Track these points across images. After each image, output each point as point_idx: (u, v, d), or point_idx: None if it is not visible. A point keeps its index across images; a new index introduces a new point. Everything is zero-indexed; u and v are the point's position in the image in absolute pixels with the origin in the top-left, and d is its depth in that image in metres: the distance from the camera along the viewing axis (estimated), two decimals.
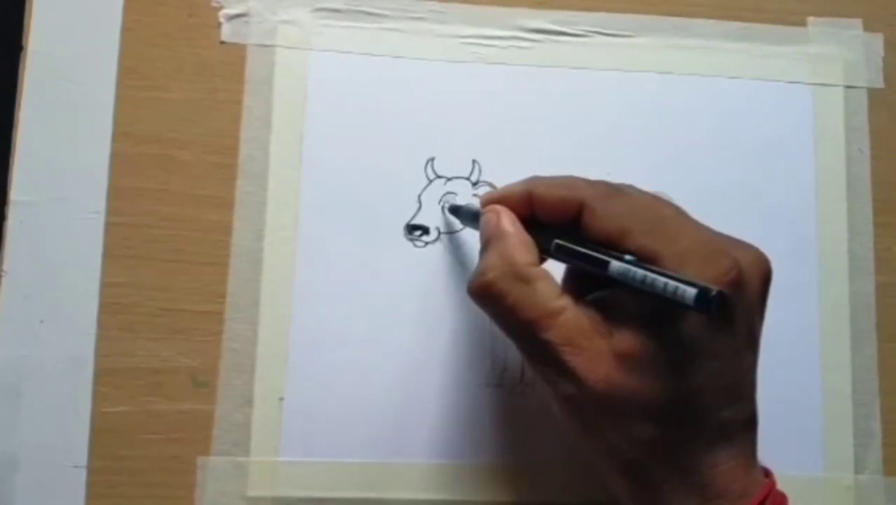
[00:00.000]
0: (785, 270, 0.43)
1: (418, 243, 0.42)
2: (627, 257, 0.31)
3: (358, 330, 0.41)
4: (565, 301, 0.33)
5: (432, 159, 0.43)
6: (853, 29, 0.46)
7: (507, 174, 0.43)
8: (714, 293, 0.28)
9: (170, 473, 0.40)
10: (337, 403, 0.41)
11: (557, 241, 0.34)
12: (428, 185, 0.43)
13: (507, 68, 0.44)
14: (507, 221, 0.35)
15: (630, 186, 0.35)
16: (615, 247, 0.32)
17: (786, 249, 0.44)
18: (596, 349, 0.32)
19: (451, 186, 0.43)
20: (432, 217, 0.42)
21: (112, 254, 0.41)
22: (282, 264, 0.41)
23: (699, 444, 0.32)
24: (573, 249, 0.34)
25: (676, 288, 0.29)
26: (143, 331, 0.41)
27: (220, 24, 0.43)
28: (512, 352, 0.42)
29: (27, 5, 0.42)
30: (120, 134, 0.42)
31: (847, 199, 0.44)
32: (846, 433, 0.42)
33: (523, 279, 0.33)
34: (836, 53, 0.46)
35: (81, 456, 0.40)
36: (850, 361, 0.43)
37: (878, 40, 0.46)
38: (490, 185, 0.43)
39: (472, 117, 0.43)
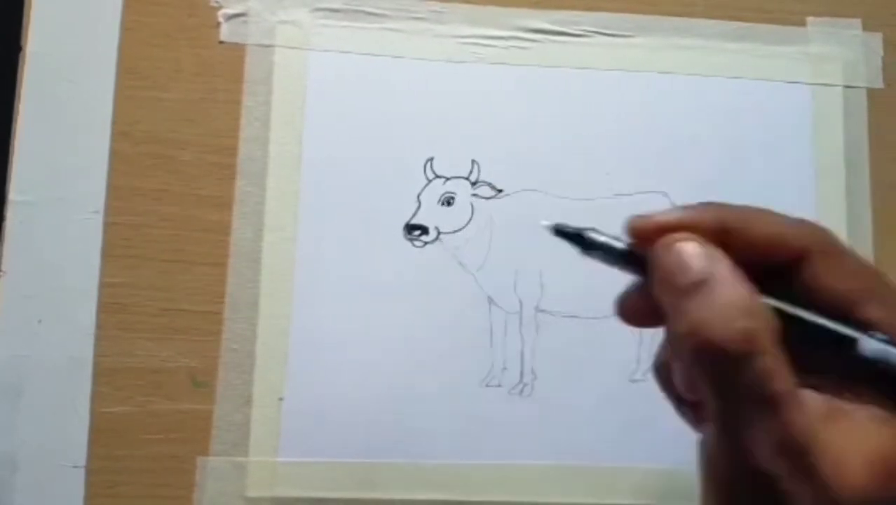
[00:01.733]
0: None
1: (417, 243, 0.42)
2: (879, 335, 0.25)
3: (357, 330, 0.41)
4: (795, 381, 0.25)
5: (431, 159, 0.43)
6: (852, 29, 0.46)
7: (507, 174, 0.43)
8: None
9: (169, 473, 0.40)
10: (336, 404, 0.41)
11: (775, 302, 0.26)
12: (427, 184, 0.43)
13: (507, 68, 0.44)
14: (724, 265, 0.25)
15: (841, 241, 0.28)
16: (845, 311, 0.26)
17: None
18: (845, 446, 0.24)
19: (450, 186, 0.43)
20: (431, 217, 0.42)
21: (111, 254, 0.41)
22: (281, 264, 0.41)
23: None
24: (804, 317, 0.26)
25: None
26: (142, 331, 0.41)
27: (219, 24, 0.43)
28: (511, 352, 0.42)
29: (26, 5, 0.42)
30: (119, 134, 0.42)
31: (846, 198, 0.44)
32: None
33: (777, 342, 0.25)
34: (835, 53, 0.46)
35: (80, 456, 0.40)
36: None
37: (877, 40, 0.46)
38: (489, 184, 0.43)
39: (471, 117, 0.43)
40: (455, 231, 0.42)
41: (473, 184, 0.43)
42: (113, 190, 0.41)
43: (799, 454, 0.24)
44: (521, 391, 0.42)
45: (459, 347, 0.42)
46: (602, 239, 0.28)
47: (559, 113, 0.44)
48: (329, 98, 0.43)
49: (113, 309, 0.41)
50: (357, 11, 0.44)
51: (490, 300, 0.42)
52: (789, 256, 0.26)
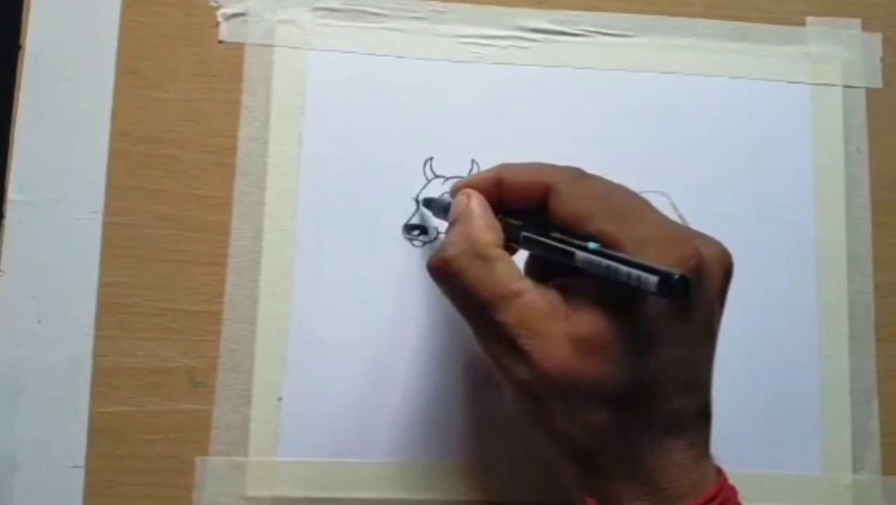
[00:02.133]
0: (783, 270, 0.43)
1: (416, 243, 0.42)
2: (591, 246, 0.31)
3: (356, 330, 0.41)
4: (524, 284, 0.33)
5: (431, 159, 0.43)
6: (852, 29, 0.46)
7: None
8: (677, 277, 0.28)
9: (168, 474, 0.40)
10: (335, 403, 0.41)
11: (525, 233, 0.34)
12: (426, 184, 0.43)
13: (507, 68, 0.44)
14: (476, 203, 0.35)
15: (596, 175, 0.35)
16: (578, 230, 0.32)
17: (784, 249, 0.44)
18: (552, 333, 0.31)
19: (449, 186, 0.43)
20: (431, 217, 0.42)
21: (110, 253, 0.41)
22: (280, 264, 0.41)
23: (651, 433, 0.31)
24: (539, 240, 0.34)
25: (640, 276, 0.29)
26: (141, 331, 0.41)
27: (218, 24, 0.43)
28: None
29: (25, 4, 0.42)
30: (118, 133, 0.42)
31: (845, 198, 0.44)
32: (844, 433, 0.43)
33: (483, 258, 0.33)
34: (834, 53, 0.46)
35: (80, 456, 0.40)
36: (849, 361, 0.43)
37: (876, 40, 0.46)
38: None
39: (471, 117, 0.43)
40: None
41: None
42: (112, 189, 0.41)
43: (511, 343, 0.32)
44: None
45: (458, 347, 0.42)
46: (437, 199, 0.40)
47: (559, 112, 0.44)
48: (329, 98, 0.43)
49: (112, 309, 0.41)
50: (357, 11, 0.44)
51: None
52: (542, 192, 0.34)
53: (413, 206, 0.42)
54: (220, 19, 0.43)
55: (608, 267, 0.30)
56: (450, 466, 0.41)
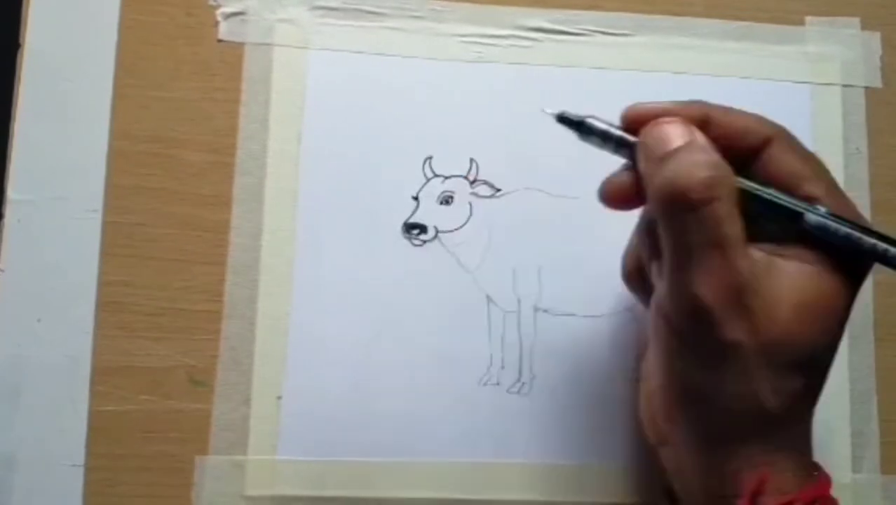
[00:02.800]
0: None
1: (416, 242, 0.42)
2: (822, 209, 0.31)
3: (355, 329, 0.41)
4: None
5: (430, 158, 0.43)
6: (851, 28, 0.46)
7: (505, 173, 0.43)
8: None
9: (167, 473, 0.40)
10: (335, 402, 0.41)
11: (747, 182, 0.31)
12: (426, 183, 0.43)
13: (507, 67, 0.44)
14: (701, 137, 0.32)
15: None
16: (794, 189, 0.31)
17: None
18: (776, 293, 0.30)
19: (448, 185, 0.43)
20: (430, 216, 0.42)
21: (109, 252, 0.41)
22: (280, 263, 0.41)
23: (814, 404, 0.32)
24: (764, 196, 0.31)
25: (887, 250, 0.30)
26: (140, 330, 0.41)
27: (217, 23, 0.43)
28: (509, 351, 0.42)
29: (25, 3, 0.42)
30: (117, 132, 0.42)
31: None
32: (843, 432, 0.43)
33: (735, 195, 0.30)
34: (834, 53, 0.46)
35: (79, 455, 0.40)
36: (848, 361, 0.43)
37: (875, 40, 0.46)
38: (488, 183, 0.43)
39: (470, 116, 0.43)
40: (453, 230, 0.42)
41: (472, 182, 0.43)
42: (111, 189, 0.41)
43: (738, 293, 0.30)
44: (520, 390, 0.42)
45: (457, 345, 0.42)
46: (600, 125, 0.35)
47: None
48: (328, 96, 0.43)
49: (111, 308, 0.41)
50: (356, 10, 0.44)
51: (488, 299, 0.42)
52: (756, 142, 0.32)
53: (413, 205, 0.42)
54: (219, 18, 0.43)
55: (848, 235, 0.30)
56: (450, 466, 0.41)
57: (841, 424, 0.43)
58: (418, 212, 0.42)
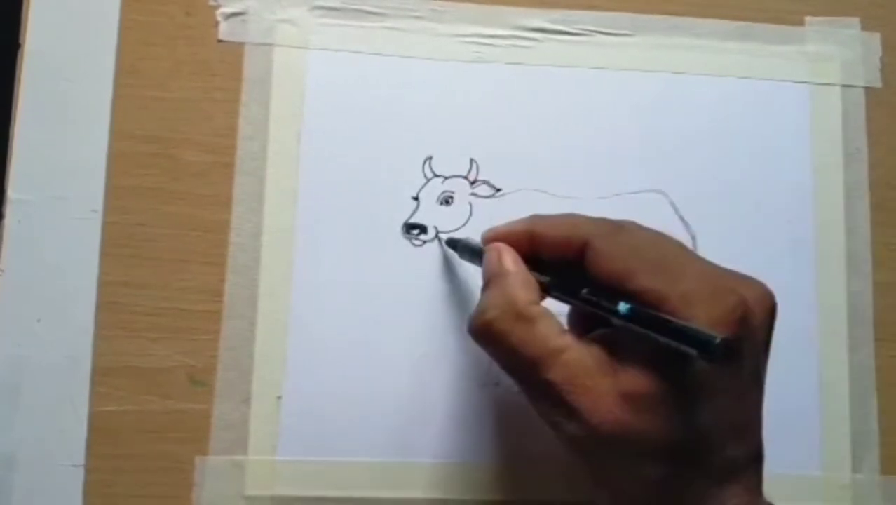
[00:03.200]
0: (782, 270, 0.43)
1: (416, 242, 0.42)
2: (622, 309, 0.31)
3: (355, 329, 0.41)
4: (568, 340, 0.32)
5: (430, 158, 0.43)
6: (851, 28, 0.46)
7: (505, 173, 0.43)
8: (718, 341, 0.28)
9: (167, 473, 0.40)
10: (335, 402, 0.41)
11: (555, 291, 0.34)
12: (426, 183, 0.43)
13: (506, 67, 0.44)
14: (509, 260, 0.35)
15: (632, 223, 0.35)
16: (620, 287, 0.32)
17: (783, 249, 0.44)
18: (601, 389, 0.31)
19: (448, 185, 0.43)
20: (430, 216, 0.42)
21: (110, 252, 0.41)
22: (279, 263, 0.41)
23: (707, 482, 0.31)
24: (575, 296, 0.33)
25: (678, 345, 0.29)
26: (140, 330, 0.41)
27: (217, 23, 0.43)
28: None
29: (25, 3, 0.42)
30: (117, 132, 0.42)
31: (844, 198, 0.44)
32: (843, 433, 0.43)
33: (524, 318, 0.33)
34: (833, 53, 0.46)
35: (79, 455, 0.40)
36: (848, 361, 0.43)
37: (875, 40, 0.46)
38: (488, 183, 0.43)
39: (470, 116, 0.43)
40: (454, 230, 0.42)
41: (472, 183, 0.43)
42: (111, 189, 0.41)
43: (560, 400, 0.32)
44: (520, 391, 0.41)
45: (457, 346, 0.42)
46: (463, 241, 0.40)
47: (558, 112, 0.44)
48: (328, 97, 0.43)
49: (111, 308, 0.41)
50: (356, 10, 0.44)
51: None
52: (577, 248, 0.34)
53: (413, 205, 0.42)
54: (219, 18, 0.43)
55: (649, 327, 0.30)
56: (449, 466, 0.41)
57: (841, 424, 0.43)
58: (418, 212, 0.42)
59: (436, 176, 0.43)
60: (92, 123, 0.42)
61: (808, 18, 0.46)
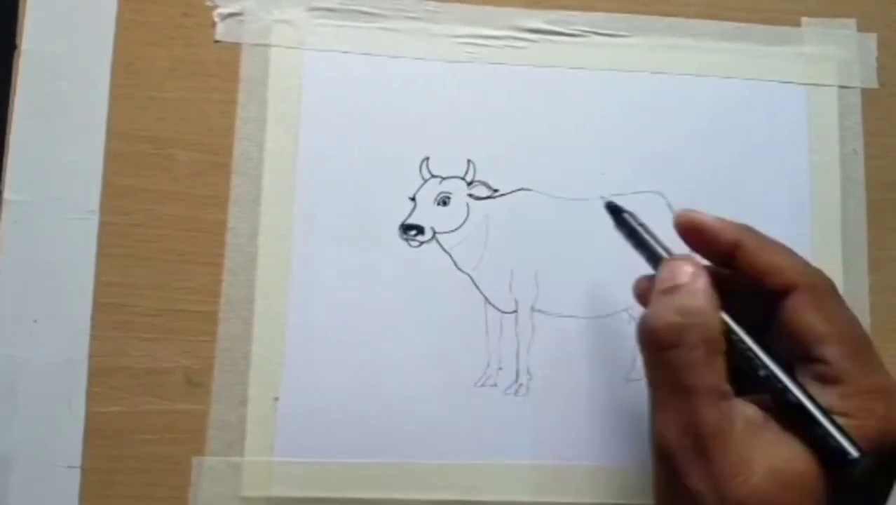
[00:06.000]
0: None
1: (413, 243, 0.42)
2: (799, 395, 0.29)
3: (353, 330, 0.41)
4: (730, 389, 0.30)
5: (427, 159, 0.43)
6: (847, 29, 0.46)
7: (503, 173, 0.43)
8: (859, 458, 0.28)
9: (164, 474, 0.40)
10: (332, 403, 0.41)
11: (749, 348, 0.31)
12: (423, 184, 0.43)
13: (503, 68, 0.44)
14: (705, 280, 0.31)
15: (841, 297, 0.32)
16: (807, 346, 0.30)
17: None
18: (748, 453, 0.29)
19: (445, 186, 0.43)
20: (427, 217, 0.42)
21: (106, 253, 0.41)
22: (277, 264, 0.41)
23: None
24: (762, 363, 0.31)
25: (831, 446, 0.28)
26: (137, 330, 0.41)
27: (214, 24, 0.43)
28: (507, 352, 0.42)
29: (21, 4, 0.42)
30: (114, 133, 0.42)
31: (841, 198, 0.45)
32: None
33: (711, 344, 0.30)
34: (830, 53, 0.46)
35: (75, 456, 0.40)
36: None
37: (871, 40, 0.46)
38: (485, 184, 0.43)
39: (467, 117, 0.43)
40: (451, 231, 0.42)
41: (469, 183, 0.43)
42: (108, 189, 0.41)
43: (699, 441, 0.29)
44: (517, 391, 0.42)
45: (455, 346, 0.42)
46: (645, 237, 0.35)
47: (555, 113, 0.44)
48: (325, 97, 0.43)
49: (108, 309, 0.41)
50: (353, 11, 0.44)
51: (486, 300, 0.42)
52: (779, 286, 0.31)
53: (410, 206, 0.42)
54: (216, 19, 0.43)
55: (814, 431, 0.29)
56: (447, 467, 0.41)
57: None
58: (415, 213, 0.42)
59: (433, 177, 0.43)
60: (89, 124, 0.42)
61: (804, 19, 0.46)
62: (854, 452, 0.28)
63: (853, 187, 0.45)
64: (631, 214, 0.37)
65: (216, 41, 0.43)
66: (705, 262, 0.34)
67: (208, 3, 0.43)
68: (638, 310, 0.41)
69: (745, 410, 0.30)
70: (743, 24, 0.45)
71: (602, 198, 0.38)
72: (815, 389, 0.30)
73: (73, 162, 0.41)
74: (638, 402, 0.42)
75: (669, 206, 0.43)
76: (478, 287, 0.42)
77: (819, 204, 0.44)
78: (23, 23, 0.42)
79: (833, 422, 0.29)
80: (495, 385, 0.42)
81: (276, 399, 0.40)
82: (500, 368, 0.42)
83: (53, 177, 0.41)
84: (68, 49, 0.42)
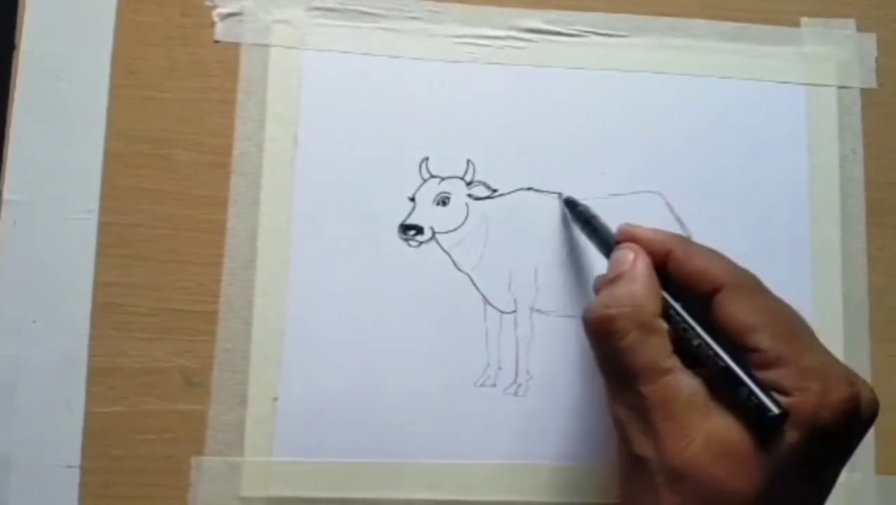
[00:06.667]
0: (778, 270, 0.43)
1: (412, 243, 0.42)
2: (730, 365, 0.32)
3: (352, 330, 0.41)
4: (675, 364, 0.33)
5: (426, 159, 0.43)
6: (846, 29, 0.46)
7: (502, 174, 0.43)
8: (778, 413, 0.30)
9: (163, 474, 0.40)
10: (331, 403, 0.41)
11: (677, 319, 0.34)
12: (422, 184, 0.43)
13: (502, 68, 0.44)
14: (644, 265, 0.35)
15: (768, 290, 0.35)
16: (739, 338, 0.32)
17: (779, 249, 0.44)
18: (689, 421, 0.31)
19: (445, 186, 0.43)
20: (426, 217, 0.42)
21: (105, 253, 0.41)
22: (276, 264, 0.41)
23: None
24: (696, 333, 0.33)
25: (759, 403, 0.30)
26: (136, 331, 0.41)
27: (213, 23, 0.43)
28: (506, 352, 0.42)
29: (20, 4, 0.42)
30: (113, 133, 0.42)
31: (840, 198, 0.45)
32: None
33: (645, 327, 0.33)
34: (829, 54, 0.46)
35: (74, 456, 0.40)
36: (844, 361, 0.43)
37: (871, 41, 0.46)
38: (484, 184, 0.43)
39: (466, 117, 0.43)
40: (450, 231, 0.42)
41: (469, 184, 0.43)
42: (108, 189, 0.41)
43: (643, 414, 0.32)
44: (516, 391, 0.42)
45: (454, 347, 0.42)
46: (595, 217, 0.40)
47: (554, 113, 0.44)
48: (324, 97, 0.43)
49: (107, 309, 0.41)
50: (352, 11, 0.44)
51: (485, 300, 0.42)
52: (709, 287, 0.34)
53: (409, 206, 0.42)
54: (215, 19, 0.43)
55: (735, 386, 0.31)
56: (445, 467, 0.41)
57: None
58: (415, 213, 0.42)
59: (432, 177, 0.43)
60: (88, 124, 0.42)
61: (803, 19, 0.46)
62: (775, 410, 0.30)
63: (852, 187, 0.45)
64: (585, 208, 0.41)
65: (215, 41, 0.43)
66: None
67: (207, 3, 0.43)
68: None
69: (691, 383, 0.32)
70: (742, 25, 0.45)
71: (560, 195, 0.42)
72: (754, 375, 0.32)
73: (72, 162, 0.41)
74: None
75: (668, 205, 0.43)
76: (477, 287, 0.42)
77: (818, 204, 0.44)
78: (22, 22, 0.42)
79: (757, 383, 0.31)
80: (494, 385, 0.42)
81: (276, 399, 0.40)
82: (500, 369, 0.42)
83: (52, 177, 0.41)
84: (68, 49, 0.42)
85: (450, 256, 0.42)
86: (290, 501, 0.40)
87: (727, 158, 0.44)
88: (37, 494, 0.39)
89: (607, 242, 0.38)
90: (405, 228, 0.42)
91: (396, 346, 0.41)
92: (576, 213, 0.41)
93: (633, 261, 0.35)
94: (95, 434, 0.40)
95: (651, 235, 0.36)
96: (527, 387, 0.42)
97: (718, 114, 0.45)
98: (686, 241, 0.37)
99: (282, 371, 0.41)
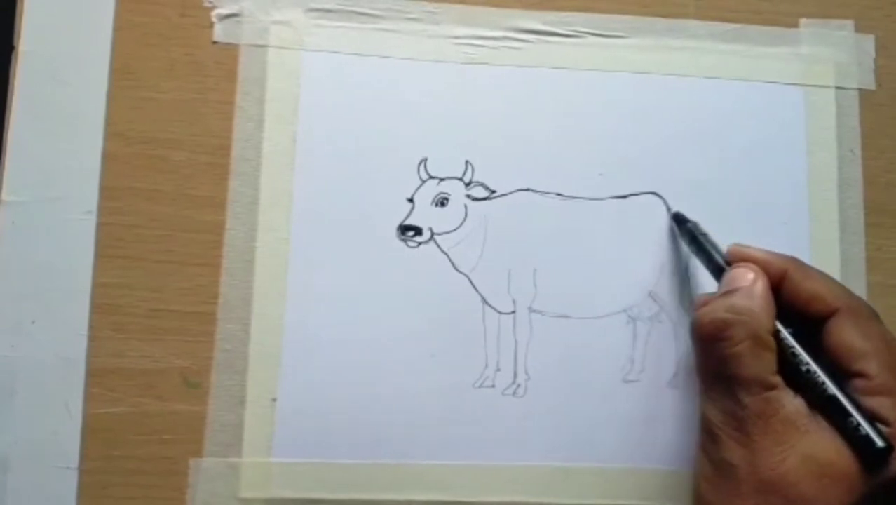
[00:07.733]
0: None
1: (411, 244, 0.42)
2: (840, 397, 0.33)
3: (350, 330, 0.41)
4: (779, 381, 0.33)
5: (425, 160, 0.43)
6: (845, 30, 0.46)
7: (500, 174, 0.43)
8: (884, 446, 0.30)
9: (162, 475, 0.40)
10: (329, 404, 0.41)
11: (793, 346, 0.35)
12: (421, 185, 0.43)
13: (500, 69, 0.44)
14: (763, 286, 0.35)
15: (881, 321, 0.36)
16: (847, 363, 0.33)
17: (778, 249, 0.43)
18: (785, 438, 0.32)
19: (443, 187, 0.43)
20: (425, 218, 0.42)
21: (104, 254, 0.41)
22: (274, 265, 0.41)
23: None
24: (805, 360, 0.34)
25: (864, 435, 0.31)
26: (134, 331, 0.41)
27: (212, 24, 0.43)
28: (504, 353, 0.42)
29: (18, 5, 0.42)
30: (112, 134, 0.42)
31: (839, 199, 0.45)
32: None
33: (757, 339, 0.34)
34: (827, 55, 0.46)
35: (73, 457, 0.40)
36: None
37: (869, 42, 0.46)
38: (483, 185, 0.43)
39: (464, 118, 0.43)
40: (449, 232, 0.42)
41: (467, 184, 0.43)
42: (106, 190, 0.41)
43: (739, 423, 0.33)
44: (515, 392, 0.42)
45: (453, 347, 0.42)
46: (706, 246, 0.40)
47: (552, 113, 0.44)
48: (323, 98, 0.43)
49: (106, 309, 0.41)
50: (351, 12, 0.44)
51: (483, 301, 0.42)
52: (822, 311, 0.35)
53: (407, 207, 0.42)
54: (214, 20, 0.43)
55: (854, 432, 0.32)
56: (444, 468, 0.41)
57: None
58: (413, 214, 0.42)
59: (431, 178, 0.43)
60: (86, 125, 0.42)
61: (802, 20, 0.46)
62: (880, 442, 0.30)
63: (850, 188, 0.45)
64: (695, 225, 0.41)
65: (214, 42, 0.43)
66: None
67: (206, 4, 0.43)
68: (636, 311, 0.42)
69: (792, 402, 0.33)
70: (741, 26, 0.46)
71: (670, 210, 0.43)
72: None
73: (70, 163, 0.41)
74: (636, 402, 0.42)
75: (667, 206, 0.43)
76: (476, 288, 0.42)
77: (817, 204, 0.44)
78: (20, 24, 0.42)
79: (864, 415, 0.32)
80: (493, 386, 0.42)
81: (274, 400, 0.40)
82: (499, 369, 0.42)
83: (51, 178, 0.41)
84: (66, 50, 0.42)
85: (448, 257, 0.42)
86: (288, 501, 0.40)
87: (725, 159, 0.44)
88: (35, 495, 0.39)
89: (715, 260, 0.39)
90: (404, 229, 0.42)
91: (395, 346, 0.41)
92: (684, 229, 0.42)
93: (754, 280, 0.35)
94: (94, 435, 0.40)
95: (767, 256, 0.37)
96: (525, 388, 0.42)
97: (717, 115, 0.45)
98: (801, 263, 0.37)
99: (280, 372, 0.41)
